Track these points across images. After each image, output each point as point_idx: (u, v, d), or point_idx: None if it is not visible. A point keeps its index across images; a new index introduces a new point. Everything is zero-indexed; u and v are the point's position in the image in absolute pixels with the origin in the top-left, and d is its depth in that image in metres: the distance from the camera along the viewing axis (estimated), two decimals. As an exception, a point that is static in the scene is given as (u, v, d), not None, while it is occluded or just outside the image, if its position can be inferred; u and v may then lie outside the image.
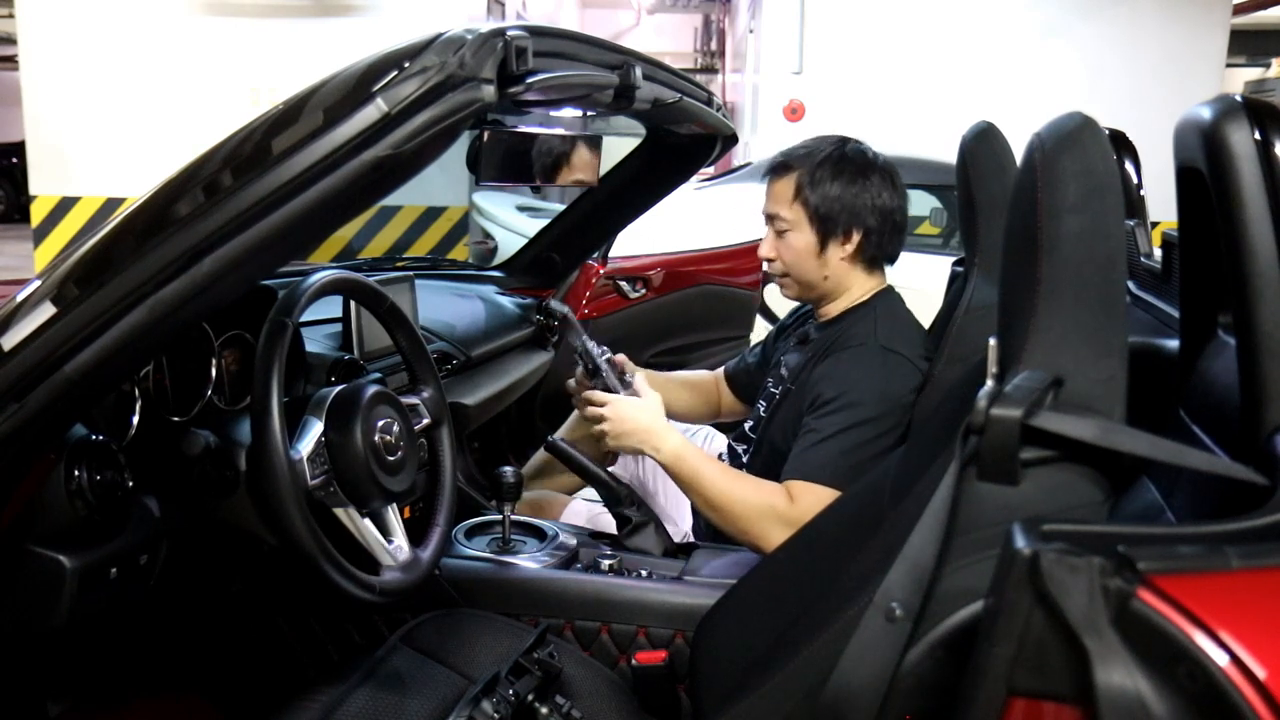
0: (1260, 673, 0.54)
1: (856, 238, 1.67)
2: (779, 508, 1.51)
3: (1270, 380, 0.72)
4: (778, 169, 1.71)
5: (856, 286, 1.70)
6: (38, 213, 5.85)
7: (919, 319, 1.76)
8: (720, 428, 2.21)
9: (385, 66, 0.91)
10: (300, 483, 1.15)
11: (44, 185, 5.82)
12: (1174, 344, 0.96)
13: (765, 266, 1.76)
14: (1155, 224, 2.10)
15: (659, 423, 1.61)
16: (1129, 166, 1.98)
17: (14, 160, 11.12)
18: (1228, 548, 0.60)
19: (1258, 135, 0.74)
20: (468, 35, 0.93)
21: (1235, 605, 0.57)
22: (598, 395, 1.66)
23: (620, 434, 1.62)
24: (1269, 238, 0.73)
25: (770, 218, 1.71)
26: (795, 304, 1.91)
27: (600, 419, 1.64)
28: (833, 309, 1.73)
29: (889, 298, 1.72)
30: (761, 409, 1.80)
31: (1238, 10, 7.29)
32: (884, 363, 1.59)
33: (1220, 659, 0.54)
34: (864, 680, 0.79)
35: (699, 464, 1.58)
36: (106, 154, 5.65)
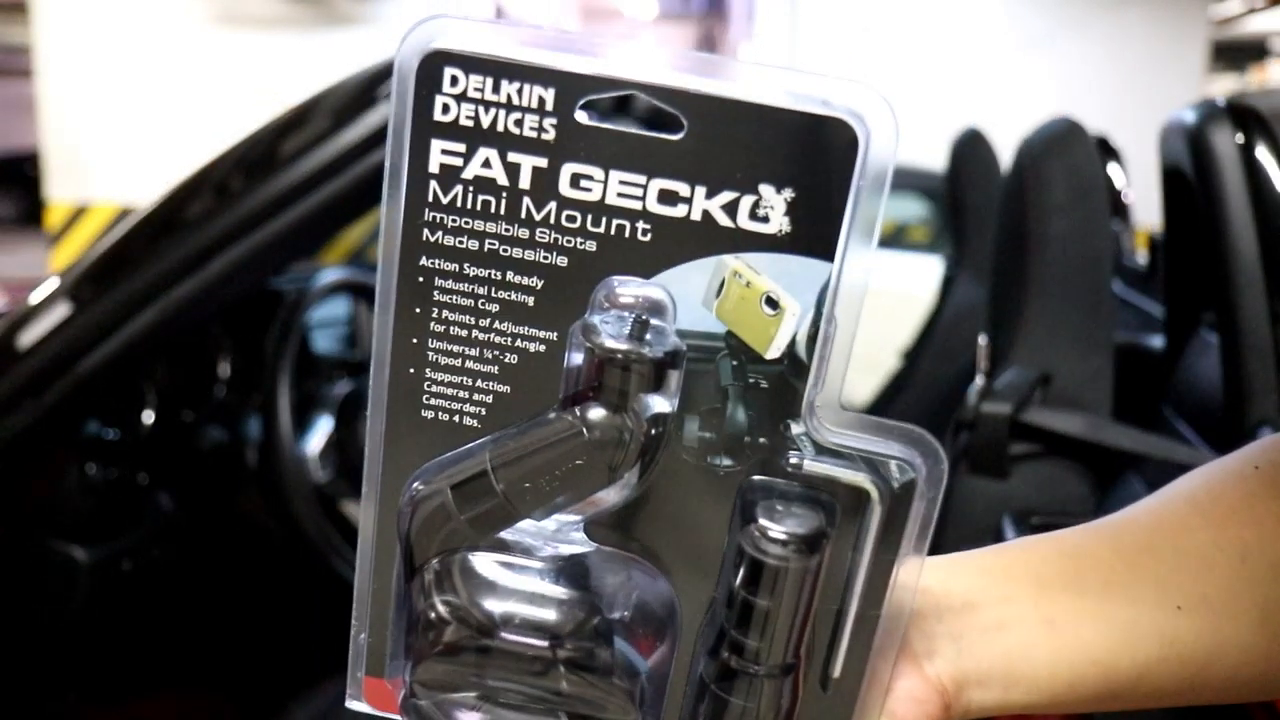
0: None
1: None
2: None
3: (1253, 376, 0.74)
4: None
5: None
6: (52, 219, 5.87)
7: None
8: None
9: (391, 70, 0.93)
10: (309, 478, 1.18)
11: (59, 191, 5.85)
12: (1159, 342, 0.98)
13: None
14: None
15: None
16: (1114, 170, 2.00)
17: (28, 167, 11.13)
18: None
19: (1240, 138, 0.76)
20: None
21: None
22: None
23: None
24: (1251, 238, 0.74)
25: None
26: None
27: None
28: None
29: None
30: None
31: (1224, 21, 7.30)
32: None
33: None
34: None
35: None
36: (121, 161, 5.67)
